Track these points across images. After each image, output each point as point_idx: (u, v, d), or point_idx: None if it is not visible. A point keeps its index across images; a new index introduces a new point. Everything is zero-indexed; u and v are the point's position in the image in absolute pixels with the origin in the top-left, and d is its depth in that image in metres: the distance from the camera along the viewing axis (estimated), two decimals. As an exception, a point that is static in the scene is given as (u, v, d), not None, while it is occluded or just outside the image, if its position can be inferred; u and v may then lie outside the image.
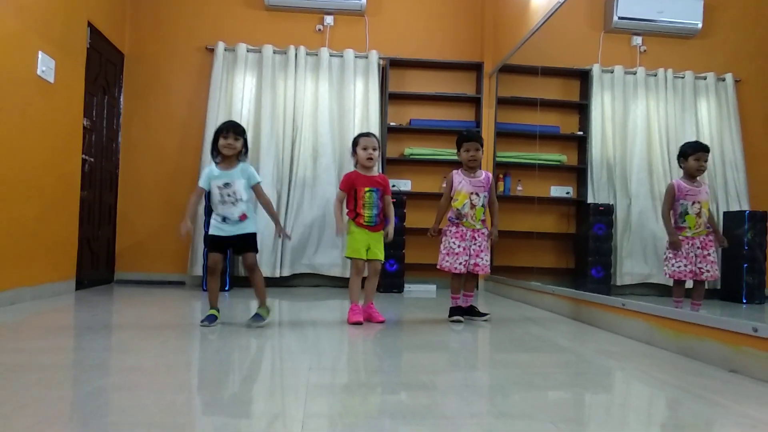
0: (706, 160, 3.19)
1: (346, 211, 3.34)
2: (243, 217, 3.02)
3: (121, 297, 4.38)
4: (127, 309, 3.78)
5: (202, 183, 3.06)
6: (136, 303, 4.02)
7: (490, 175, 3.47)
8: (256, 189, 3.09)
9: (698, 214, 3.15)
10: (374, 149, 3.26)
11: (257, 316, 3.01)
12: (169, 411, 1.52)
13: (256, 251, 3.09)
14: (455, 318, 3.36)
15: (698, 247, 3.14)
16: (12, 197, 3.57)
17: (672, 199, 3.19)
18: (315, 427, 1.42)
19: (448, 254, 3.35)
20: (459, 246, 3.33)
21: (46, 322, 3.09)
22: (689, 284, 3.22)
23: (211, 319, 2.99)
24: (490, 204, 3.45)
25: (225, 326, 2.96)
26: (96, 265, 5.01)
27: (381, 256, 3.29)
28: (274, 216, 3.23)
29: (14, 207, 3.60)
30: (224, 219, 3.02)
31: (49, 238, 4.08)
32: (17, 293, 3.63)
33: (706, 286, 3.23)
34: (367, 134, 3.36)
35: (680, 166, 3.25)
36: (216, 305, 3.08)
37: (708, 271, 3.13)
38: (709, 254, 3.13)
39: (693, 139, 4.28)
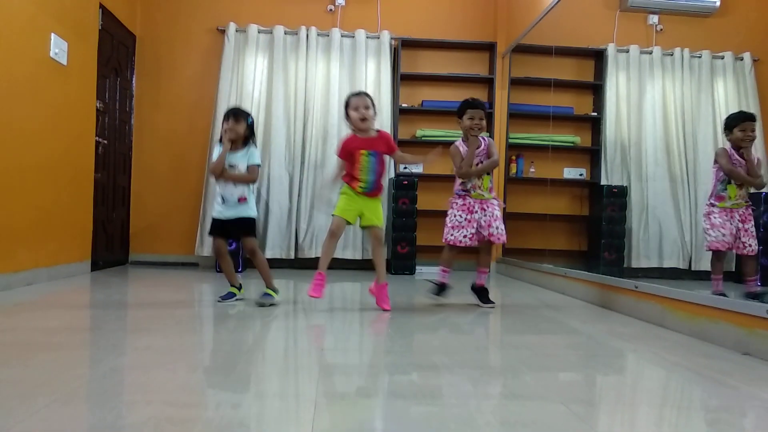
0: (753, 129, 3.06)
1: (343, 173, 3.14)
2: (242, 200, 3.10)
3: (136, 278, 4.43)
4: (142, 290, 3.82)
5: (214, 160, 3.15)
6: (150, 284, 4.06)
7: (488, 140, 3.28)
8: (249, 167, 3.11)
9: (740, 186, 3.08)
10: (366, 108, 3.01)
11: (266, 295, 3.10)
12: (184, 390, 1.54)
13: (255, 236, 3.16)
14: (435, 296, 3.30)
15: (738, 221, 3.07)
16: (27, 180, 3.60)
17: (730, 159, 3.07)
18: (328, 407, 1.43)
19: (453, 227, 3.22)
20: (464, 219, 3.21)
21: (61, 303, 3.13)
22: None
23: (228, 296, 3.15)
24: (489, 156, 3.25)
25: (238, 307, 2.98)
26: (111, 247, 5.06)
27: (379, 221, 3.08)
28: (235, 179, 3.08)
29: (30, 189, 3.63)
30: (224, 200, 3.10)
31: (65, 219, 4.12)
32: (34, 274, 3.68)
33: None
34: (358, 93, 3.12)
35: (727, 139, 3.15)
36: (234, 283, 3.21)
37: (750, 245, 3.05)
38: (748, 228, 3.06)
39: (710, 120, 4.23)
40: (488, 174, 3.27)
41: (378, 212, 3.11)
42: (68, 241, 4.20)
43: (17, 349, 1.95)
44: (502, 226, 3.24)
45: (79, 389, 1.53)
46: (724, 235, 3.06)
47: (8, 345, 2.01)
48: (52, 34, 3.83)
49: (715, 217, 3.10)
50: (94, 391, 1.51)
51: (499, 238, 3.20)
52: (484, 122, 3.22)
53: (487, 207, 3.23)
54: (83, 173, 4.43)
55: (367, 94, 3.12)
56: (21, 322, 2.51)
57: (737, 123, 3.08)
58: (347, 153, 3.09)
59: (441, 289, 3.35)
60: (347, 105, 3.09)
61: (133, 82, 5.48)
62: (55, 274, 3.95)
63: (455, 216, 3.24)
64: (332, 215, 3.08)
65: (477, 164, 3.22)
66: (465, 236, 3.20)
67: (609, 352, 2.26)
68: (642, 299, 2.96)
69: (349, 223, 3.07)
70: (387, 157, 3.17)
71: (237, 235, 3.22)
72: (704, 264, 4.07)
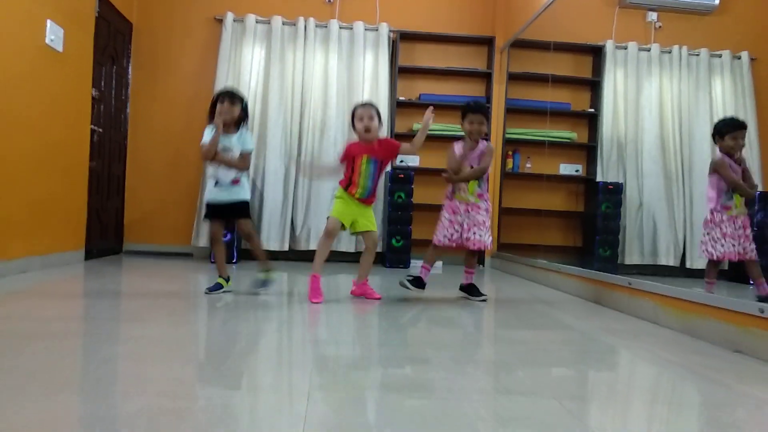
0: (743, 138, 3.06)
1: (340, 179, 3.20)
2: (235, 182, 3.10)
3: (130, 267, 4.41)
4: (135, 279, 3.81)
5: (205, 141, 3.07)
6: (145, 274, 4.05)
7: (485, 145, 3.28)
8: (242, 154, 3.11)
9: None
10: (370, 118, 3.10)
11: (264, 282, 3.12)
12: (177, 381, 1.54)
13: (250, 218, 3.18)
14: (411, 286, 3.23)
15: (740, 227, 3.08)
16: (21, 168, 3.58)
17: (729, 169, 3.06)
18: (320, 400, 1.43)
19: (439, 228, 3.29)
20: (448, 220, 3.26)
21: (55, 292, 3.12)
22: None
23: (215, 288, 3.11)
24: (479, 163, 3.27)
25: (232, 298, 2.98)
26: (105, 236, 5.04)
27: (374, 227, 3.19)
28: (233, 165, 3.09)
29: (24, 177, 3.61)
30: (217, 182, 3.09)
31: (59, 208, 4.10)
32: (27, 262, 3.66)
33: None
34: (363, 104, 3.21)
35: (715, 144, 3.14)
36: (223, 274, 3.18)
37: (752, 250, 3.07)
38: (748, 234, 3.07)
39: (706, 118, 4.23)
40: (476, 180, 3.27)
41: (371, 219, 3.21)
42: (62, 229, 4.18)
43: (10, 338, 1.94)
44: (485, 233, 3.21)
45: (73, 379, 1.53)
46: (732, 246, 3.06)
47: (1, 334, 2.00)
48: (48, 21, 3.80)
49: (725, 227, 3.08)
50: (87, 381, 1.51)
51: (475, 244, 3.19)
52: (484, 127, 3.24)
53: (471, 210, 3.24)
54: (78, 161, 4.40)
55: (372, 105, 3.20)
56: (14, 310, 2.50)
57: (730, 131, 3.06)
58: (349, 158, 3.18)
59: (416, 283, 3.29)
60: (353, 115, 3.17)
61: (129, 70, 5.44)
62: (49, 262, 3.94)
63: (442, 216, 3.31)
64: (328, 217, 3.17)
65: (470, 167, 3.26)
66: (445, 236, 3.25)
67: (602, 349, 2.27)
68: (635, 296, 2.97)
69: (343, 227, 3.14)
70: (387, 163, 3.25)
71: (232, 220, 3.20)
72: (697, 262, 4.09)
